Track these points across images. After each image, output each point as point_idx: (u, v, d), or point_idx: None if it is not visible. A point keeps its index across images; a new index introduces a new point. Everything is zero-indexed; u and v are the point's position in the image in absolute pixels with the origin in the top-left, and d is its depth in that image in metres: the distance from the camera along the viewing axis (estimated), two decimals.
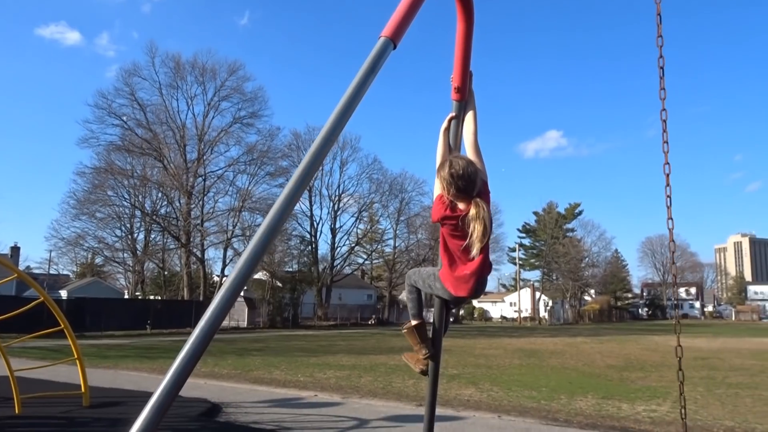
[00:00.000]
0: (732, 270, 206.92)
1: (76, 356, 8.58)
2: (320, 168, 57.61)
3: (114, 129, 44.75)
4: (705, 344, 27.36)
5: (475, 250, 2.66)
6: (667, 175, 2.73)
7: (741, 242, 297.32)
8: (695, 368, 15.66)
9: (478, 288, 2.78)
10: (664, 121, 2.70)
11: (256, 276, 50.88)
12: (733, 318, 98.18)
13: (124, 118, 44.36)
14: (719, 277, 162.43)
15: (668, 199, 2.75)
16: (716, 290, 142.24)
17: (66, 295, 43.82)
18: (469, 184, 2.64)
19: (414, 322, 3.02)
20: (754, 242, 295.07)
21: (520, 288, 77.39)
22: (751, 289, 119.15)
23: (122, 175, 44.81)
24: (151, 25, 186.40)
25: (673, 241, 2.79)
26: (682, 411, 2.87)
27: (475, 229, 2.63)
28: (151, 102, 45.35)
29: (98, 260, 60.41)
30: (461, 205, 2.70)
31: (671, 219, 2.76)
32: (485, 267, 2.77)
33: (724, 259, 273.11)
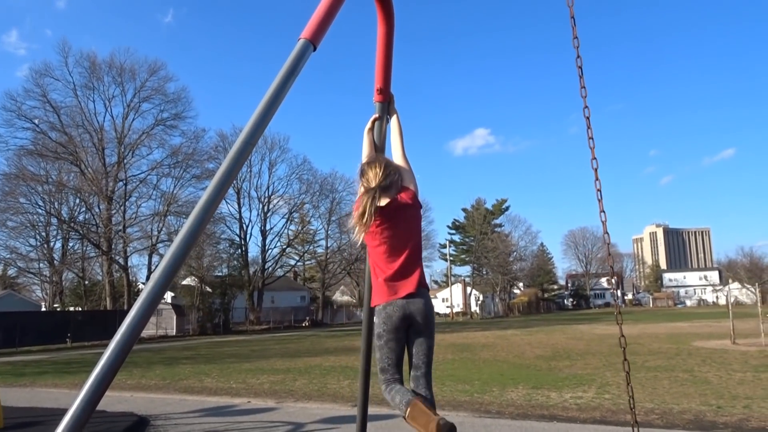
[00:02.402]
0: (648, 259, 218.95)
1: None
2: (248, 170, 56.51)
3: (25, 132, 42.29)
4: (626, 330, 28.43)
5: (356, 234, 2.64)
6: (596, 170, 2.83)
7: (656, 232, 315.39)
8: (617, 354, 16.43)
9: (417, 289, 2.62)
10: (588, 118, 2.80)
11: (185, 282, 49.40)
12: (651, 305, 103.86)
13: (36, 121, 41.99)
14: (637, 266, 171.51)
15: (599, 192, 2.85)
16: (635, 279, 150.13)
17: None
18: (374, 178, 2.69)
19: (408, 410, 2.59)
20: (668, 232, 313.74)
21: (452, 284, 78.84)
22: (666, 276, 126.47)
23: (35, 181, 42.28)
24: (66, 22, 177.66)
25: (607, 233, 2.90)
26: (631, 401, 2.97)
27: (356, 213, 2.64)
28: (66, 104, 43.13)
29: (11, 272, 56.82)
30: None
31: (603, 212, 2.87)
32: (413, 269, 2.67)
33: (641, 248, 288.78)
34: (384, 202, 2.67)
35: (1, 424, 7.86)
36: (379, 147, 2.93)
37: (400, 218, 2.69)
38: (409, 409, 2.54)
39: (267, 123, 2.06)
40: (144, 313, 1.77)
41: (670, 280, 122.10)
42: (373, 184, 2.67)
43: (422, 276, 2.69)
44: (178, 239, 1.86)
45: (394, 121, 2.92)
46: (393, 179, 2.71)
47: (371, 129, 2.93)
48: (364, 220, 2.59)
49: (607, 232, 2.87)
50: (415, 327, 2.65)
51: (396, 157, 2.87)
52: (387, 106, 2.92)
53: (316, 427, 7.64)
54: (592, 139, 2.81)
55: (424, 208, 73.76)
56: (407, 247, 2.68)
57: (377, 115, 2.92)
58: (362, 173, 2.74)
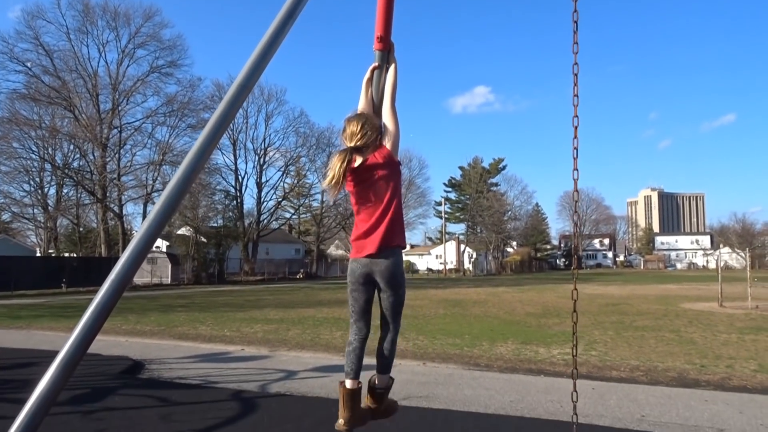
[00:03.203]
0: (642, 222, 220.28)
1: None
2: (244, 121, 55.96)
3: (17, 76, 41.53)
4: (616, 291, 29.19)
5: (328, 194, 2.71)
6: (575, 128, 2.82)
7: (651, 196, 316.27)
8: (606, 314, 16.70)
9: (379, 250, 2.68)
10: (576, 75, 2.76)
11: (180, 232, 49.52)
12: (642, 267, 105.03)
13: (29, 65, 41.15)
14: (630, 229, 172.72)
15: (575, 150, 2.85)
16: (627, 241, 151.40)
17: None
18: (350, 136, 2.71)
19: (346, 382, 2.78)
20: (663, 196, 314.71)
21: (446, 241, 79.31)
22: (659, 239, 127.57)
23: (29, 126, 41.71)
24: None
25: (577, 191, 2.92)
26: (574, 349, 3.05)
27: (327, 174, 2.69)
28: (59, 47, 42.20)
29: (5, 216, 56.76)
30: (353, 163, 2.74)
31: (576, 170, 2.87)
32: (378, 229, 2.70)
33: (635, 211, 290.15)
34: (357, 162, 2.71)
35: None
36: (376, 98, 2.87)
37: (372, 178, 2.70)
38: (341, 386, 2.78)
39: (264, 67, 2.01)
40: (137, 256, 1.77)
41: (662, 243, 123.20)
42: (347, 144, 2.70)
43: (391, 237, 2.70)
44: (172, 182, 1.84)
45: (390, 70, 2.86)
46: (370, 138, 2.70)
47: (370, 79, 2.87)
48: (333, 182, 2.64)
49: (577, 190, 2.91)
50: (379, 284, 2.78)
51: (384, 106, 2.81)
52: (387, 56, 2.85)
53: (309, 375, 7.80)
54: (577, 96, 2.79)
55: (420, 165, 73.19)
56: (379, 208, 2.71)
57: (376, 64, 2.85)
58: (342, 129, 2.77)
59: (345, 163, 2.63)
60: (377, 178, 2.71)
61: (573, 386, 3.03)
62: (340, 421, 2.71)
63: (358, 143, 2.68)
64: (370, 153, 2.71)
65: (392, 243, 2.71)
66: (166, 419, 5.50)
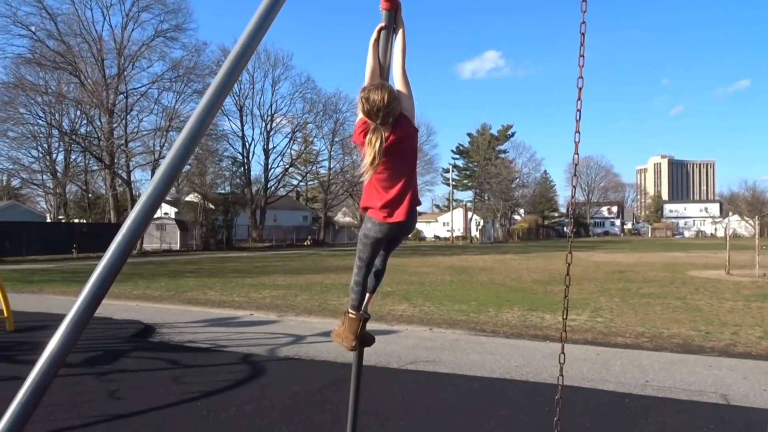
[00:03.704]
0: (651, 190, 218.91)
1: None
2: (251, 87, 55.57)
3: (21, 40, 41.19)
4: (623, 259, 29.19)
5: (365, 176, 2.69)
6: (580, 89, 2.76)
7: (660, 163, 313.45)
8: (613, 281, 16.74)
9: (407, 217, 2.77)
10: (583, 34, 2.69)
11: (188, 198, 49.70)
12: (650, 235, 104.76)
13: (33, 29, 40.72)
14: (639, 197, 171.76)
15: (578, 113, 2.80)
16: (635, 209, 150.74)
17: None
18: (374, 110, 2.62)
19: (354, 313, 3.03)
20: (673, 163, 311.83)
21: (453, 208, 79.24)
22: (667, 207, 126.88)
23: (35, 91, 41.52)
24: None
25: (577, 153, 2.88)
26: (564, 312, 3.06)
27: (365, 154, 2.65)
28: (62, 11, 41.63)
29: (15, 182, 57.14)
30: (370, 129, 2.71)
31: (578, 132, 2.83)
32: (405, 197, 2.76)
33: (645, 179, 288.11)
34: (385, 134, 2.67)
35: (12, 327, 8.12)
36: (383, 61, 2.81)
37: (399, 152, 2.71)
38: (350, 316, 3.02)
39: (269, 24, 1.97)
40: (144, 217, 1.77)
41: (671, 211, 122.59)
42: (377, 120, 2.63)
43: (413, 200, 2.80)
44: (176, 144, 1.83)
45: (399, 35, 2.80)
46: (396, 111, 2.67)
47: (377, 40, 2.81)
48: (375, 163, 2.64)
49: (577, 153, 2.88)
50: (397, 238, 3.03)
51: (396, 74, 2.78)
52: (394, 15, 2.78)
53: (316, 340, 7.90)
54: (583, 57, 2.72)
55: (428, 131, 72.65)
56: (403, 176, 2.75)
57: (383, 24, 2.78)
58: (364, 100, 2.64)
59: (383, 141, 2.62)
60: (401, 147, 2.72)
61: (561, 348, 3.05)
62: (354, 343, 2.99)
63: (387, 118, 2.64)
64: (393, 123, 2.69)
65: (416, 201, 2.83)
66: (177, 381, 5.60)
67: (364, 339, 3.11)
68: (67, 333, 1.70)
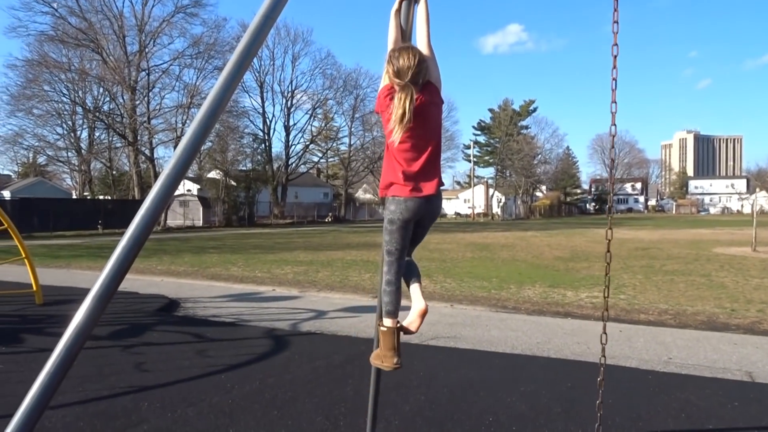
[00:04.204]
0: (676, 166, 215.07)
1: (24, 255, 8.39)
2: (271, 63, 55.31)
3: (44, 17, 41.29)
4: (646, 236, 28.83)
5: (395, 135, 2.51)
6: (615, 57, 2.67)
7: (686, 138, 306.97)
8: (636, 258, 16.55)
9: (437, 191, 2.63)
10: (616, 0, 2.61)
11: (210, 175, 50.10)
12: (674, 211, 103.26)
13: (54, 5, 40.88)
14: (663, 173, 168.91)
15: (614, 81, 2.71)
16: (660, 185, 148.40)
17: (9, 196, 42.38)
18: (403, 70, 2.54)
19: (388, 323, 2.70)
20: (699, 139, 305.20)
21: (474, 185, 78.75)
22: (692, 183, 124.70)
23: (58, 69, 41.95)
24: None
25: (614, 124, 2.78)
26: (606, 290, 3.02)
27: (393, 113, 2.51)
28: None
29: (41, 159, 58.15)
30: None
31: (615, 102, 2.74)
32: (434, 169, 2.64)
33: (669, 155, 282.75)
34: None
35: (41, 300, 8.32)
36: (405, 30, 2.77)
37: (425, 116, 2.60)
38: (388, 330, 2.71)
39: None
40: (166, 192, 1.77)
41: (696, 187, 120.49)
42: (407, 78, 2.54)
43: (440, 175, 2.69)
44: (197, 118, 1.82)
45: (421, 4, 2.74)
46: (424, 73, 2.59)
47: (398, 10, 2.76)
48: (405, 120, 2.50)
49: (615, 124, 2.77)
50: (423, 222, 2.75)
51: (421, 44, 2.73)
52: None
53: (338, 315, 7.96)
54: (617, 23, 2.63)
55: (449, 107, 71.99)
56: (429, 145, 2.62)
57: None
58: (393, 60, 2.56)
59: (413, 100, 2.51)
60: (429, 114, 2.62)
61: (603, 328, 3.01)
62: (395, 360, 2.70)
63: (417, 78, 2.55)
64: (421, 88, 2.60)
65: (442, 180, 2.70)
66: (201, 354, 5.70)
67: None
68: (93, 306, 1.73)
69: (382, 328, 2.72)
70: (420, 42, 2.74)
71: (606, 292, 3.04)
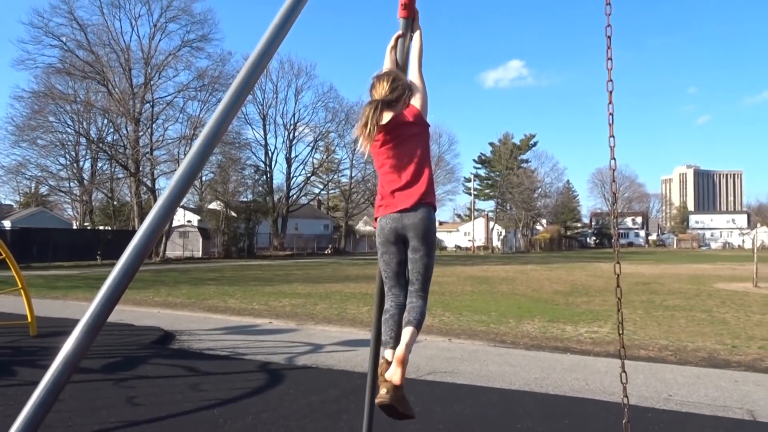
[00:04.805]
0: (676, 200, 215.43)
1: (20, 286, 8.36)
2: (274, 96, 56.03)
3: (52, 50, 42.00)
4: (647, 270, 28.72)
5: (360, 146, 2.61)
6: (610, 93, 2.72)
7: (686, 173, 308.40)
8: (636, 293, 16.46)
9: (413, 205, 2.56)
10: (609, 37, 2.67)
11: (210, 206, 50.21)
12: (675, 246, 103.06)
13: (63, 39, 41.64)
14: (664, 207, 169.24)
15: (610, 116, 2.75)
16: (660, 220, 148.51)
17: (10, 226, 42.41)
18: (380, 85, 2.67)
19: (385, 354, 2.57)
20: (699, 173, 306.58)
21: (475, 218, 78.86)
22: (693, 218, 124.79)
23: (64, 100, 42.46)
24: None
25: (614, 158, 2.82)
26: (620, 327, 2.98)
27: (358, 123, 2.63)
28: (92, 22, 42.51)
29: (43, 189, 58.31)
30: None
31: (613, 137, 2.77)
32: (412, 185, 2.60)
33: (670, 189, 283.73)
34: (386, 118, 2.62)
35: (35, 332, 8.25)
36: (400, 66, 2.82)
37: (402, 136, 2.64)
38: (384, 361, 2.56)
39: (285, 33, 1.99)
40: (159, 222, 1.78)
41: (697, 222, 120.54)
42: (377, 96, 2.65)
43: (425, 194, 2.60)
44: (192, 151, 1.84)
45: (416, 36, 2.81)
46: (399, 94, 2.65)
47: (394, 47, 2.82)
48: (367, 131, 2.56)
49: (614, 158, 2.80)
50: (410, 242, 2.62)
51: (412, 72, 2.80)
52: (411, 23, 2.79)
53: (335, 349, 7.88)
54: (611, 59, 2.69)
55: (450, 141, 72.34)
56: (410, 166, 2.63)
57: (401, 32, 2.80)
58: (371, 86, 2.69)
59: (376, 112, 2.57)
60: (408, 135, 2.65)
61: (621, 366, 2.96)
62: (383, 391, 2.47)
63: (389, 97, 2.63)
64: (399, 110, 2.66)
65: (427, 199, 2.60)
66: (195, 388, 5.62)
67: (400, 402, 2.49)
68: (81, 337, 1.71)
69: (381, 358, 2.61)
70: (411, 71, 2.81)
71: (620, 329, 2.97)
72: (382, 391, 2.46)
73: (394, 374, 2.45)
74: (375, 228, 2.69)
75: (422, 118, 2.73)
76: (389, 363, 2.51)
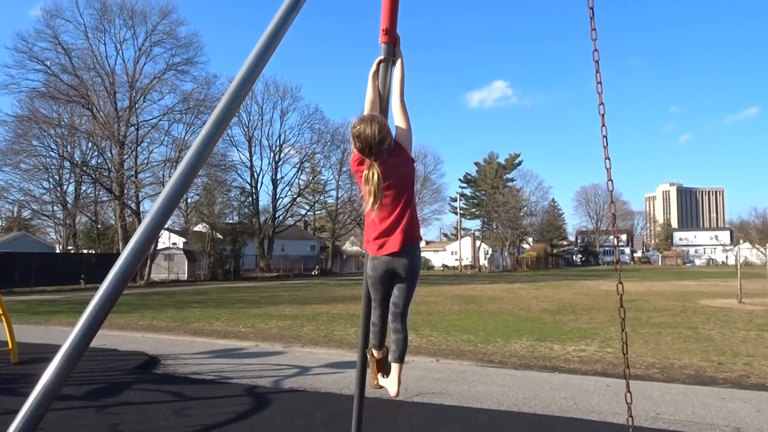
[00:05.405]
0: (660, 217, 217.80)
1: (0, 312, 8.22)
2: (260, 118, 56.23)
3: (36, 74, 41.83)
4: (632, 287, 28.89)
5: (372, 213, 2.69)
6: (602, 116, 2.75)
7: (669, 191, 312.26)
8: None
9: (401, 248, 2.70)
10: (597, 62, 2.71)
11: (196, 228, 49.89)
12: (660, 263, 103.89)
13: (48, 63, 41.51)
14: (648, 225, 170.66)
15: (604, 139, 2.78)
16: (645, 237, 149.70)
17: None
18: (366, 147, 2.64)
19: (374, 353, 3.02)
20: (682, 191, 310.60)
21: (461, 237, 79.07)
22: (677, 235, 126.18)
23: (48, 124, 42.16)
24: None
25: (611, 180, 2.84)
26: (624, 346, 3.00)
27: (366, 192, 2.68)
28: (77, 46, 42.45)
29: (25, 213, 57.64)
30: (366, 163, 2.72)
31: (608, 159, 2.80)
32: (398, 227, 2.71)
33: (653, 207, 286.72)
34: (379, 165, 2.69)
35: (16, 359, 8.10)
36: (382, 92, 2.85)
37: (392, 178, 2.69)
38: (371, 356, 3.05)
39: (266, 60, 2.01)
40: (142, 246, 1.77)
41: (681, 239, 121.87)
42: (371, 157, 2.66)
43: (408, 232, 2.73)
44: (176, 174, 1.84)
45: (397, 66, 2.84)
46: (387, 141, 2.66)
47: (376, 72, 2.85)
48: (378, 200, 2.65)
49: (611, 179, 2.83)
50: (398, 277, 2.83)
51: (394, 104, 2.82)
52: (393, 48, 2.82)
53: (322, 371, 7.81)
54: (600, 83, 2.74)
55: (436, 161, 72.72)
56: (398, 206, 2.71)
57: (382, 57, 2.82)
58: (354, 137, 2.66)
59: (379, 180, 2.64)
60: (395, 178, 2.70)
61: (626, 386, 2.97)
62: (375, 382, 3.02)
63: (381, 151, 2.64)
64: (387, 152, 2.68)
65: (413, 240, 2.76)
66: (179, 414, 5.54)
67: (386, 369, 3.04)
68: (61, 366, 1.69)
69: (369, 356, 3.06)
70: (394, 101, 2.84)
71: (624, 349, 3.01)
72: (375, 381, 3.04)
73: (390, 387, 2.96)
74: (363, 249, 2.80)
75: (408, 157, 2.78)
76: (376, 358, 3.01)
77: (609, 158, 2.81)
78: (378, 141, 2.61)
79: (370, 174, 2.64)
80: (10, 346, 8.11)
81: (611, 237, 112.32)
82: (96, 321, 1.73)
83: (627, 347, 2.95)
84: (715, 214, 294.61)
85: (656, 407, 5.85)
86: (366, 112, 2.81)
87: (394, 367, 2.92)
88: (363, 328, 3.06)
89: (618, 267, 3.25)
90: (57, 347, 1.84)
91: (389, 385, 2.95)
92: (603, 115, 2.75)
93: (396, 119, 2.80)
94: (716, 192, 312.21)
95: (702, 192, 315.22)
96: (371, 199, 2.65)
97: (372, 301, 2.93)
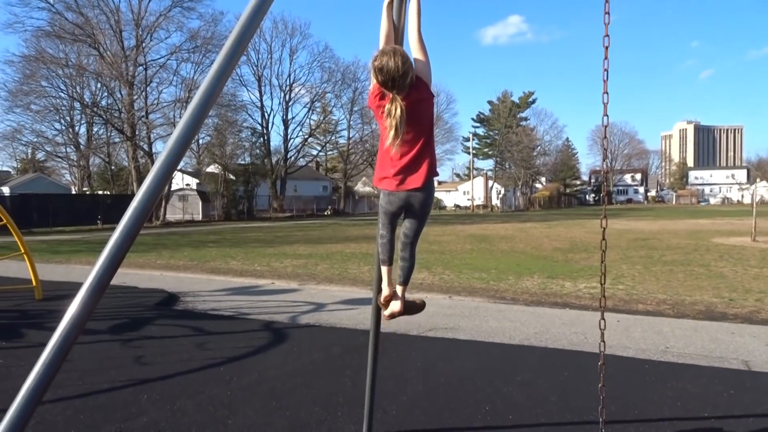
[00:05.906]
0: (676, 156, 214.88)
1: (23, 251, 8.41)
2: (269, 57, 55.21)
3: (40, 13, 41.12)
4: (646, 226, 28.85)
5: (393, 147, 2.65)
6: (606, 48, 2.69)
7: (686, 129, 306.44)
8: (635, 248, 16.58)
9: (423, 184, 2.72)
10: None
11: (209, 169, 50.05)
12: (674, 202, 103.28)
13: (51, 1, 40.77)
14: (663, 164, 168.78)
15: (605, 72, 2.73)
16: (660, 176, 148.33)
17: (8, 192, 42.39)
18: (389, 80, 2.57)
19: (385, 269, 3.01)
20: (699, 129, 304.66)
21: (474, 177, 78.74)
22: (692, 174, 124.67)
23: (55, 64, 41.81)
24: None
25: (606, 115, 2.81)
26: (602, 277, 3.07)
27: (387, 126, 2.63)
28: None
29: (40, 155, 58.09)
30: (387, 98, 2.66)
31: (606, 93, 2.76)
32: (421, 164, 2.71)
33: (669, 146, 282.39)
34: (401, 101, 2.64)
35: (40, 296, 8.34)
36: (397, 25, 2.76)
37: (415, 114, 2.65)
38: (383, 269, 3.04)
39: None
40: (158, 184, 1.78)
41: (696, 178, 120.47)
42: (393, 90, 2.60)
43: (430, 169, 2.74)
44: (187, 113, 1.83)
45: (413, 6, 2.74)
46: (410, 74, 2.60)
47: (390, 2, 2.76)
48: (400, 134, 2.61)
49: (607, 114, 2.82)
50: (412, 210, 2.87)
51: (412, 38, 2.74)
52: None
53: (336, 308, 7.98)
54: (608, 14, 2.66)
55: (448, 99, 71.73)
56: (419, 142, 2.69)
57: None
58: (377, 70, 2.58)
59: (402, 113, 2.59)
60: (417, 112, 2.66)
61: (601, 314, 3.05)
62: (386, 294, 3.00)
63: (403, 84, 2.59)
64: (409, 87, 2.63)
65: (433, 175, 2.77)
66: (201, 347, 5.72)
67: (409, 307, 3.09)
68: (86, 299, 1.74)
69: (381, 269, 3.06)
70: (410, 35, 2.75)
71: (602, 279, 3.08)
72: (386, 312, 3.05)
73: (393, 306, 3.02)
74: (374, 188, 2.78)
75: (429, 91, 2.73)
76: (387, 291, 3.01)
77: (607, 92, 2.76)
78: (402, 74, 2.54)
79: (393, 108, 2.59)
80: (34, 283, 8.34)
81: (625, 176, 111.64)
82: (118, 256, 1.77)
83: (605, 278, 3.07)
84: (732, 153, 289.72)
85: (666, 341, 5.95)
86: (381, 45, 2.74)
87: (399, 289, 3.02)
88: (377, 271, 3.09)
89: (604, 207, 3.37)
90: (79, 285, 1.88)
91: (393, 303, 3.03)
92: (607, 48, 2.68)
93: (414, 52, 2.72)
94: (734, 130, 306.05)
95: (720, 130, 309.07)
96: (392, 133, 2.60)
97: (381, 236, 2.98)
